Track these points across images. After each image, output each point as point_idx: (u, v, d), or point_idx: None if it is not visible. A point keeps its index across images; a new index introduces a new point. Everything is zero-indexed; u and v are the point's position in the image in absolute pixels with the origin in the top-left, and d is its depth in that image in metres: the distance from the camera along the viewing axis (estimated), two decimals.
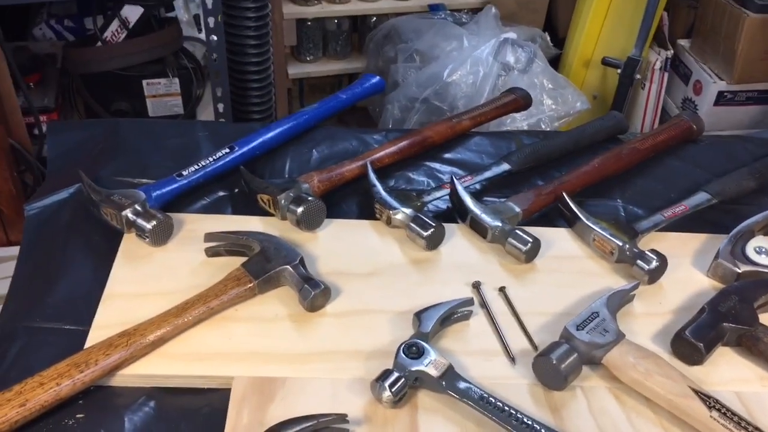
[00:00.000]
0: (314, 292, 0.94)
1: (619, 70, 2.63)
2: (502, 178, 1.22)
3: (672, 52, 2.79)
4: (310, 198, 1.06)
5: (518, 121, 2.31)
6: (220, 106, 2.13)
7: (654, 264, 1.01)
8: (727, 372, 0.92)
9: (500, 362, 0.92)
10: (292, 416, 0.80)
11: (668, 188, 1.24)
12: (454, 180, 1.13)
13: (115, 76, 2.25)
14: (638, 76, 2.62)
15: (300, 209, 1.04)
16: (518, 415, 0.81)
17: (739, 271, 1.01)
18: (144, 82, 2.29)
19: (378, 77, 1.43)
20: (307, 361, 0.90)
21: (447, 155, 1.30)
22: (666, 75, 2.86)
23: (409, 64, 2.69)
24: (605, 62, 2.70)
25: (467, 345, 0.94)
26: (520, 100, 1.40)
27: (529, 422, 0.80)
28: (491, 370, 0.90)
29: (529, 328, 0.96)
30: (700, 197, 1.16)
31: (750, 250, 1.04)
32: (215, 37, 2.02)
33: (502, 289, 1.01)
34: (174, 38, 2.26)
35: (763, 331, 0.92)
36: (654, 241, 1.09)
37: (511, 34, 2.54)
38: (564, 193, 1.13)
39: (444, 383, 0.85)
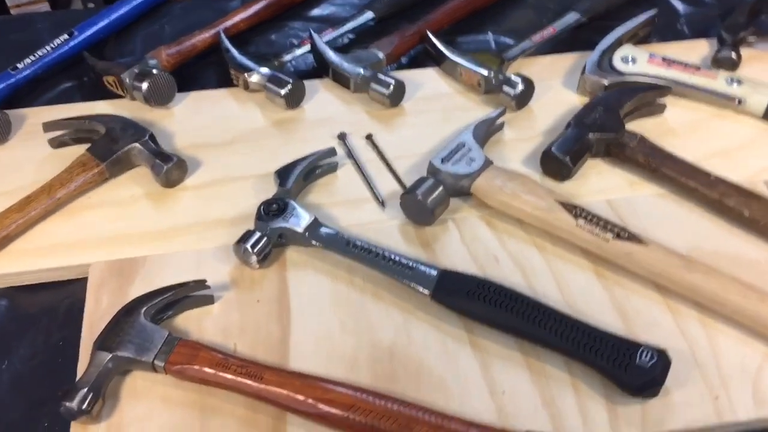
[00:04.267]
0: (167, 166, 0.88)
1: None
2: (369, 29, 1.16)
3: None
4: (155, 71, 0.98)
5: None
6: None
7: (520, 88, 0.97)
8: (598, 183, 0.91)
9: (370, 208, 0.89)
10: None
11: (541, 15, 1.19)
12: (313, 34, 1.07)
13: None
14: None
15: (145, 84, 0.97)
16: (386, 254, 0.79)
17: (606, 82, 0.99)
18: None
19: None
20: (168, 237, 0.86)
21: (312, 13, 1.23)
22: None
23: None
24: None
25: (335, 196, 0.91)
26: None
27: (397, 259, 0.78)
28: (361, 217, 0.88)
29: (398, 171, 0.93)
30: (569, 17, 1.12)
31: (617, 60, 1.01)
32: None
33: (368, 137, 0.97)
34: None
35: (629, 137, 0.91)
36: (524, 67, 1.06)
37: None
38: (428, 32, 1.08)
39: (308, 234, 0.82)
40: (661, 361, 0.68)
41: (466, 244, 0.84)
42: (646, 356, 0.68)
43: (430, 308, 0.77)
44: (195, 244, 0.85)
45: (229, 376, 0.69)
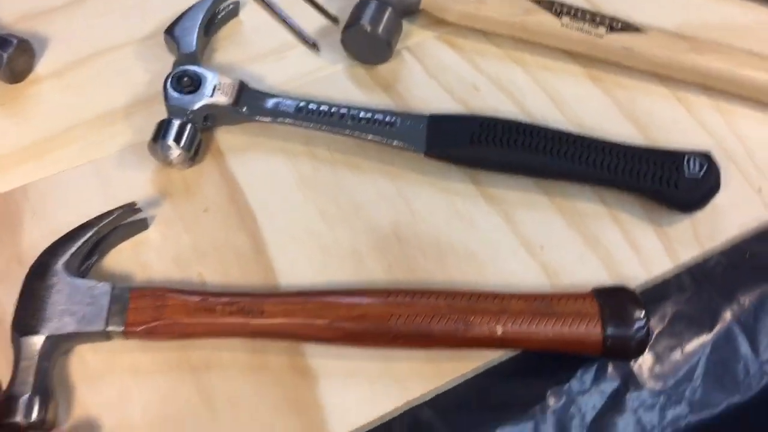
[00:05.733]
0: (6, 54, 0.62)
1: None
2: None
3: None
4: None
5: None
6: None
7: None
8: None
9: (299, 55, 0.69)
10: (57, 232, 0.55)
11: None
12: None
13: None
14: None
15: None
16: (353, 113, 0.61)
17: None
18: None
19: None
20: (43, 152, 0.62)
21: None
22: None
23: None
24: None
25: (249, 48, 0.69)
26: None
27: (370, 116, 0.61)
28: (292, 69, 0.68)
29: None
30: None
31: None
32: None
33: None
34: None
35: None
36: None
37: None
38: None
39: (245, 109, 0.62)
40: (711, 165, 0.59)
41: (434, 77, 0.68)
42: (694, 165, 0.59)
43: (422, 166, 0.62)
44: (86, 153, 0.62)
45: (220, 320, 0.52)
